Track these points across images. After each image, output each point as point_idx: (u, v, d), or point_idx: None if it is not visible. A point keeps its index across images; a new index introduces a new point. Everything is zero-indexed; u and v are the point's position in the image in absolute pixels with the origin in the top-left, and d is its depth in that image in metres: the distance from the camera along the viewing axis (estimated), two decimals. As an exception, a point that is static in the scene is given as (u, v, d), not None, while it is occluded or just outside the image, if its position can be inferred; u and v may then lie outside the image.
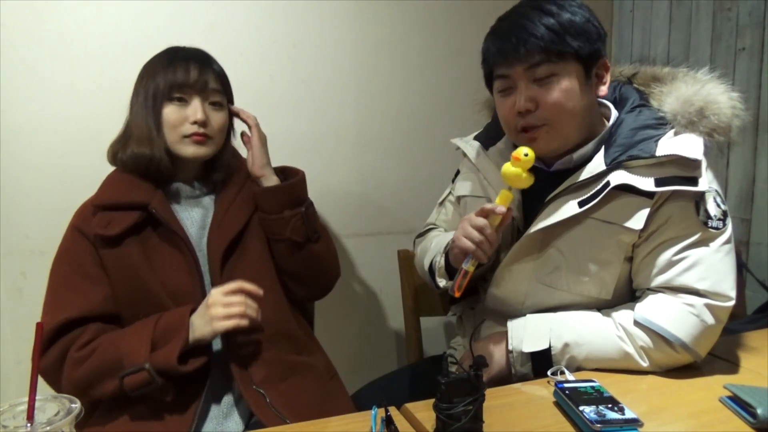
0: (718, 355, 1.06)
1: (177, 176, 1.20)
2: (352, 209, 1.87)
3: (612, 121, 1.10)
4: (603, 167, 1.04)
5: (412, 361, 1.57)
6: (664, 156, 0.99)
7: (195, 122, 1.14)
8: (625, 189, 1.01)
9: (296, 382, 1.16)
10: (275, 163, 1.27)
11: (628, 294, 1.09)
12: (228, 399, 1.13)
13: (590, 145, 1.08)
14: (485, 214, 1.04)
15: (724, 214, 1.02)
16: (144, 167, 1.15)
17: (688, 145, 1.00)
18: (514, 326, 1.08)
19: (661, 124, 1.05)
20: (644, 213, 1.01)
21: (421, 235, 1.40)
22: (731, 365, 1.05)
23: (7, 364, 1.56)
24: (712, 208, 1.00)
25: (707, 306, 0.98)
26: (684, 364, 1.01)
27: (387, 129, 1.88)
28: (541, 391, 0.97)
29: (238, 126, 1.28)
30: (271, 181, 1.22)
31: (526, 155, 1.03)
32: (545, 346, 1.03)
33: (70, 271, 1.12)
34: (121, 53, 1.54)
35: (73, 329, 1.08)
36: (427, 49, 1.88)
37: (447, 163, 1.50)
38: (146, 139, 1.14)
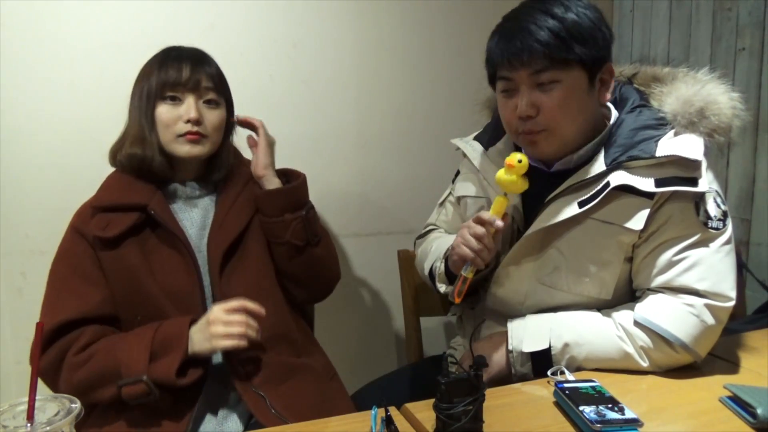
0: (718, 355, 1.06)
1: (176, 176, 1.19)
2: (352, 209, 1.87)
3: (612, 121, 1.10)
4: (603, 168, 1.04)
5: (412, 361, 1.57)
6: (664, 156, 0.99)
7: (188, 120, 1.13)
8: (625, 189, 1.01)
9: (296, 384, 1.15)
10: (275, 164, 1.26)
11: (628, 294, 1.09)
12: (227, 400, 1.13)
13: (590, 146, 1.08)
14: (482, 222, 1.04)
15: (724, 214, 1.02)
16: (137, 167, 1.15)
17: (688, 145, 1.00)
18: (514, 326, 1.08)
19: (662, 125, 1.05)
20: (644, 213, 1.01)
21: (422, 236, 1.40)
22: (731, 365, 1.05)
23: (7, 364, 1.56)
24: (712, 209, 1.00)
25: (707, 306, 0.98)
26: (684, 365, 1.01)
27: (387, 129, 1.88)
28: (541, 391, 0.97)
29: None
30: (273, 182, 1.22)
31: (519, 162, 1.03)
32: (545, 346, 1.03)
33: (69, 272, 1.12)
34: (121, 53, 1.54)
35: (72, 330, 1.08)
36: (427, 49, 1.88)
37: (447, 163, 1.50)
38: (139, 139, 1.14)
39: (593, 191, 1.03)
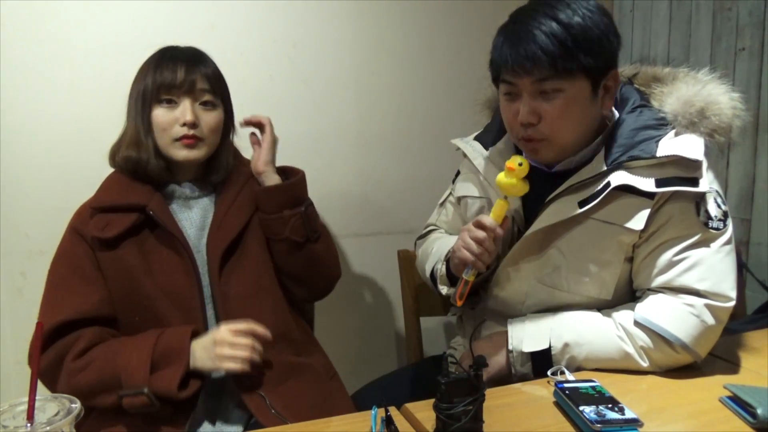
0: (718, 355, 1.06)
1: (175, 177, 1.19)
2: (352, 209, 1.87)
3: (613, 121, 1.10)
4: (604, 168, 1.04)
5: (412, 361, 1.57)
6: (665, 157, 0.99)
7: (184, 124, 1.12)
8: (626, 189, 1.01)
9: (296, 384, 1.15)
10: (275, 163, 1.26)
11: (629, 294, 1.09)
12: (226, 401, 1.13)
13: (591, 147, 1.08)
14: (483, 226, 1.04)
15: (725, 214, 1.02)
16: (133, 170, 1.15)
17: (688, 145, 1.00)
18: (514, 326, 1.08)
19: (662, 125, 1.05)
20: (645, 214, 1.01)
21: (422, 237, 1.40)
22: (731, 365, 1.05)
23: (7, 364, 1.56)
24: (713, 209, 1.00)
25: (707, 306, 0.98)
26: (684, 365, 1.01)
27: (387, 129, 1.88)
28: (541, 391, 0.97)
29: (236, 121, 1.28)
30: (272, 179, 1.22)
31: (520, 165, 1.02)
32: (545, 345, 1.03)
33: (68, 272, 1.12)
34: (121, 53, 1.53)
35: (70, 331, 1.08)
36: (427, 49, 1.88)
37: (447, 163, 1.50)
38: (135, 142, 1.14)
39: (594, 191, 1.03)
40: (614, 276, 1.06)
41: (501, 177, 1.06)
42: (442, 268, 1.20)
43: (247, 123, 1.26)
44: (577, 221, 1.05)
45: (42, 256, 1.46)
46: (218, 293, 1.14)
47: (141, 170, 1.14)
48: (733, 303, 0.99)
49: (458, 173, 1.33)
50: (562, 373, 0.99)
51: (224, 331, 1.05)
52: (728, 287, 1.00)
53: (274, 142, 1.25)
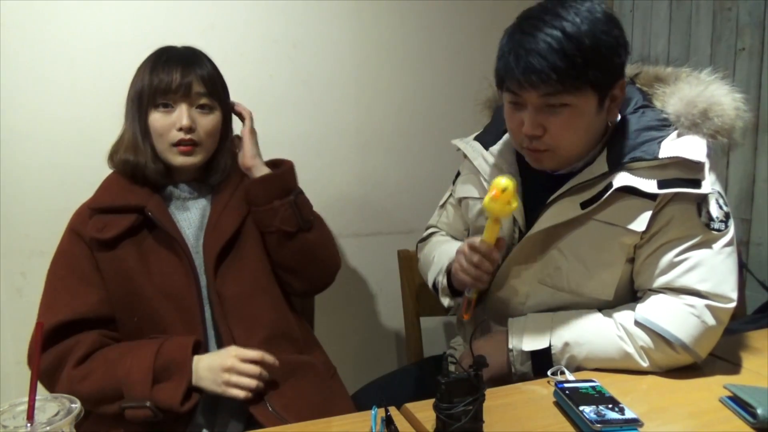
0: (718, 355, 1.05)
1: (173, 180, 1.19)
2: (352, 209, 1.87)
3: (615, 121, 1.10)
4: (606, 169, 1.03)
5: (412, 361, 1.57)
6: (668, 158, 0.99)
7: (181, 128, 1.12)
8: (628, 191, 1.01)
9: (296, 383, 1.15)
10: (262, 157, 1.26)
11: (630, 295, 1.09)
12: (226, 400, 1.12)
13: (594, 149, 1.07)
14: (476, 250, 1.04)
15: (727, 216, 1.02)
16: (131, 173, 1.15)
17: (691, 147, 0.99)
18: (514, 325, 1.08)
19: (665, 126, 1.05)
20: (647, 215, 1.01)
21: (423, 239, 1.40)
22: (731, 365, 1.05)
23: (7, 365, 1.56)
24: (715, 210, 1.00)
25: (708, 307, 0.98)
26: (684, 365, 1.01)
27: (387, 129, 1.87)
28: (541, 391, 0.97)
29: (237, 125, 1.28)
30: (262, 171, 1.21)
31: (504, 191, 0.98)
32: (545, 345, 1.03)
33: (67, 273, 1.12)
34: (121, 53, 1.53)
35: (69, 332, 1.08)
36: (427, 49, 1.88)
37: (447, 163, 1.50)
38: (132, 146, 1.14)
39: (596, 192, 1.02)
40: (615, 277, 1.06)
41: (487, 201, 1.01)
42: (443, 281, 1.20)
43: (232, 110, 1.25)
44: (579, 222, 1.05)
45: (42, 256, 1.46)
46: (214, 294, 1.14)
47: (139, 173, 1.14)
48: (734, 304, 0.99)
49: (458, 174, 1.32)
50: (562, 372, 0.99)
51: (233, 359, 1.05)
52: (729, 288, 0.99)
53: (254, 133, 1.24)
